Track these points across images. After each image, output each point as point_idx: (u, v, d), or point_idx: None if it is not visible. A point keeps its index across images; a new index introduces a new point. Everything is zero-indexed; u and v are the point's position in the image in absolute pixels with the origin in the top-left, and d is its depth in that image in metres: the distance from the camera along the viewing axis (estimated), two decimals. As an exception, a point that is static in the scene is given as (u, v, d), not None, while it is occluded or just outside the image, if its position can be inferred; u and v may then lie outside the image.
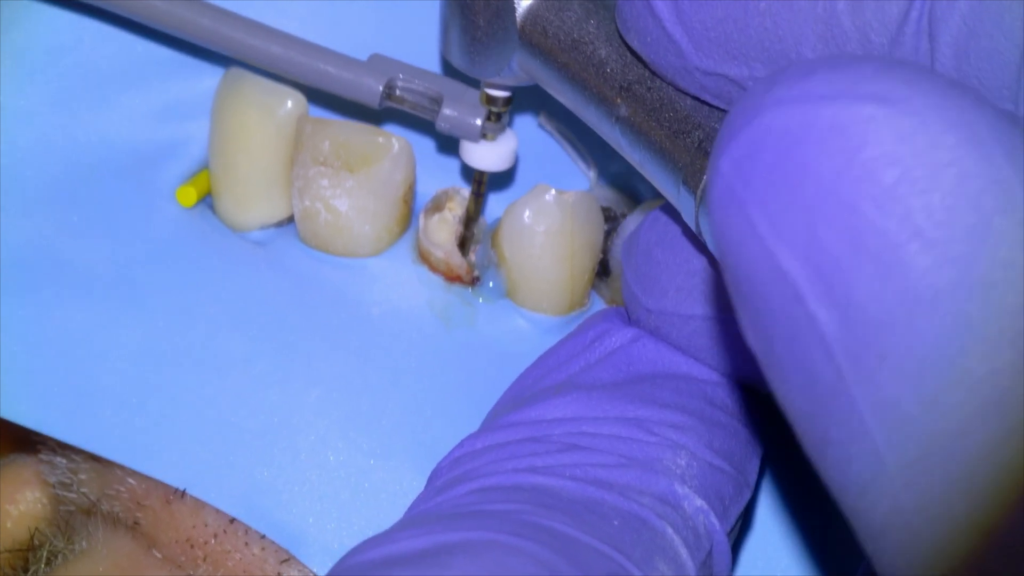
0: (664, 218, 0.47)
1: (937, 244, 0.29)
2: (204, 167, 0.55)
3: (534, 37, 0.45)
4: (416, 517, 0.41)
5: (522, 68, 0.47)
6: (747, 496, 0.45)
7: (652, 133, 0.43)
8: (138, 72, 0.53)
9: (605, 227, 0.55)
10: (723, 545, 0.43)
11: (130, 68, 0.53)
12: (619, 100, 0.43)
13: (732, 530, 0.44)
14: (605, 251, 0.55)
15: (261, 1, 0.52)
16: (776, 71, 0.32)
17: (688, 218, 0.42)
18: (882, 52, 0.35)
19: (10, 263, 0.51)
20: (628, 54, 0.43)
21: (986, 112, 0.29)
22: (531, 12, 0.45)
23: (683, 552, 0.41)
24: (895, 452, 0.30)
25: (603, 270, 0.56)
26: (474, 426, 0.48)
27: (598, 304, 0.56)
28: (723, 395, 0.48)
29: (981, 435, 0.29)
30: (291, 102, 0.53)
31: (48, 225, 0.52)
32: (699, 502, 0.42)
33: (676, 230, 0.46)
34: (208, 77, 0.54)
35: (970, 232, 0.28)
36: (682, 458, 0.44)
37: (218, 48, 0.51)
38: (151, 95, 0.54)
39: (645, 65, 0.42)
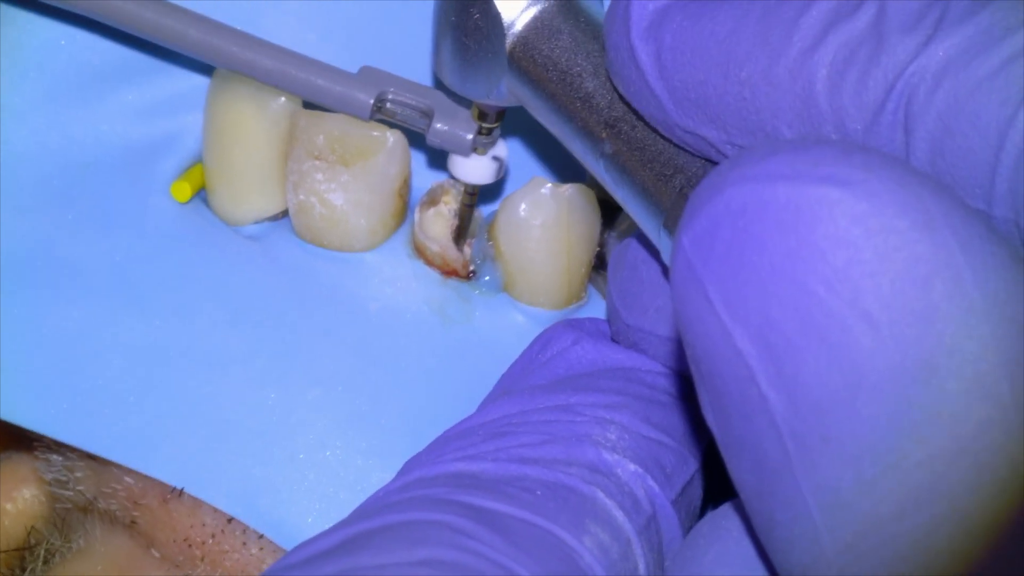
0: None
1: (883, 327, 0.29)
2: (197, 161, 0.55)
3: (523, 64, 0.45)
4: (344, 519, 0.41)
5: (511, 92, 0.47)
6: (693, 467, 0.45)
7: (636, 173, 0.43)
8: (131, 67, 0.53)
9: (601, 220, 0.54)
10: (667, 510, 0.42)
11: (123, 63, 0.53)
12: (604, 135, 0.43)
13: (681, 499, 0.44)
14: (602, 244, 0.55)
15: (251, 12, 0.52)
16: (744, 149, 0.32)
17: (667, 260, 0.42)
18: (856, 138, 0.35)
19: (5, 261, 0.51)
20: (616, 90, 0.43)
21: (943, 199, 0.29)
22: (521, 39, 0.45)
23: (619, 515, 0.40)
24: (833, 536, 0.30)
25: (600, 263, 0.55)
26: (472, 424, 0.48)
27: (595, 297, 0.56)
28: (666, 382, 0.47)
29: (914, 521, 0.29)
30: (285, 96, 0.52)
31: (43, 223, 0.52)
32: (633, 467, 0.42)
33: None
34: (201, 71, 0.54)
35: (916, 316, 0.29)
36: (612, 432, 0.43)
37: (207, 60, 0.51)
38: (144, 90, 0.53)
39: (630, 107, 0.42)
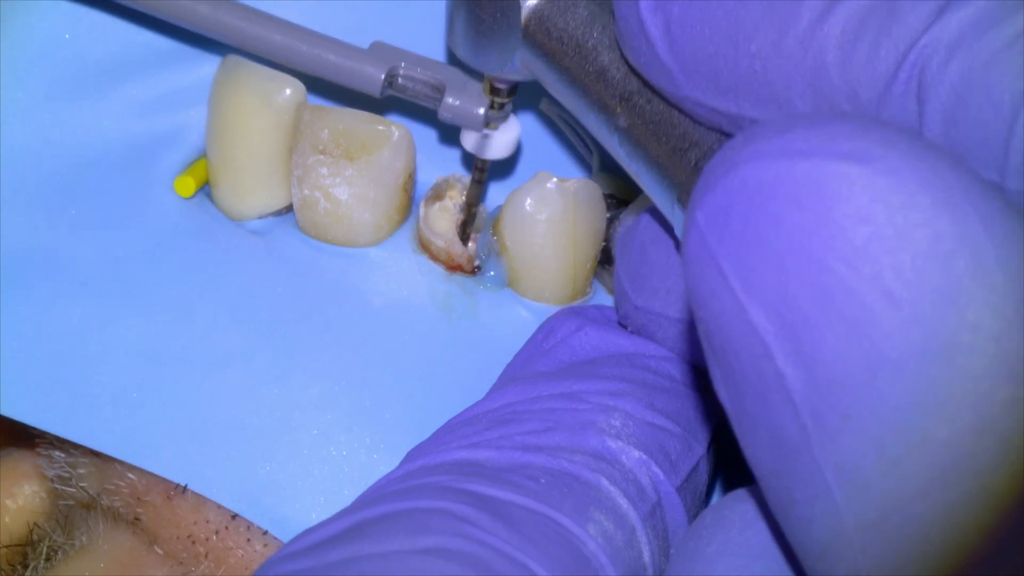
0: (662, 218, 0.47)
1: (905, 304, 0.29)
2: (201, 155, 0.54)
3: (538, 36, 0.45)
4: (347, 507, 0.41)
5: (525, 66, 0.46)
6: (698, 453, 0.45)
7: (650, 147, 0.42)
8: (134, 62, 0.53)
9: (607, 215, 0.54)
10: (672, 497, 0.42)
11: (126, 58, 0.52)
12: (619, 109, 0.43)
13: (686, 486, 0.44)
14: (607, 239, 0.55)
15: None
16: (757, 124, 0.31)
17: (680, 234, 0.42)
18: (869, 108, 0.34)
19: (7, 258, 0.51)
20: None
21: (962, 175, 0.29)
22: (536, 11, 0.44)
23: (623, 502, 0.40)
24: (854, 514, 0.30)
25: (605, 258, 0.55)
26: (478, 419, 0.48)
27: (600, 292, 0.55)
28: (670, 367, 0.47)
29: (939, 500, 0.29)
30: (290, 90, 0.52)
31: (45, 219, 0.51)
32: (637, 454, 0.42)
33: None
34: (205, 65, 0.53)
35: (939, 294, 0.28)
36: (616, 418, 0.43)
37: (217, 36, 0.50)
38: (147, 85, 0.53)
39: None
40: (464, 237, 0.54)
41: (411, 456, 0.43)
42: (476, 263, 0.54)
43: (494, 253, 0.53)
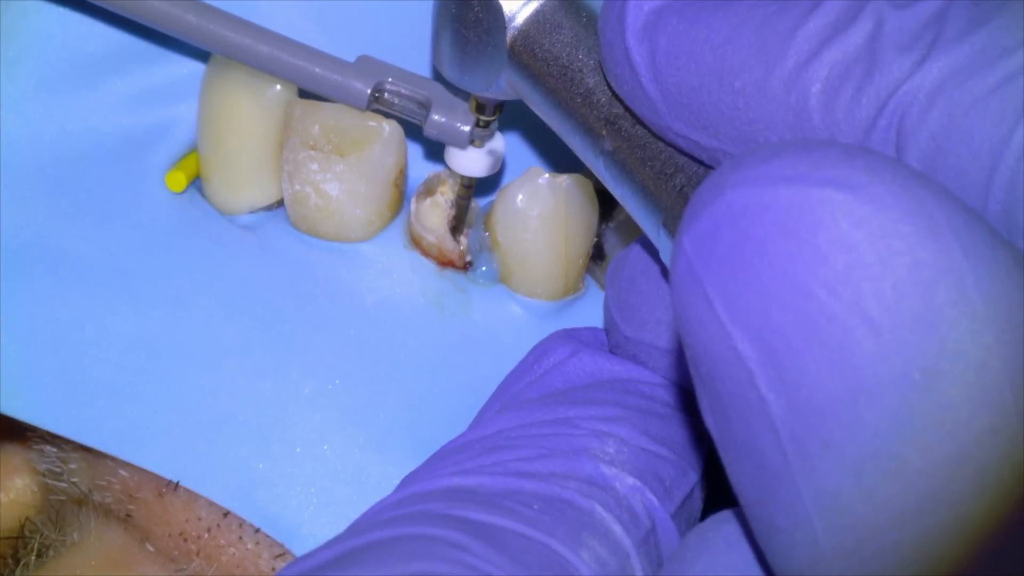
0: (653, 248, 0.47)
1: (885, 331, 0.29)
2: (192, 149, 0.54)
3: (523, 58, 0.45)
4: (339, 534, 0.41)
5: (511, 86, 0.46)
6: (692, 479, 0.45)
7: (636, 171, 0.42)
8: (125, 56, 0.52)
9: (599, 211, 0.54)
10: (667, 523, 0.42)
11: (117, 52, 0.52)
12: (604, 132, 0.43)
13: (680, 512, 0.44)
14: (599, 235, 0.55)
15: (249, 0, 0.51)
16: (745, 151, 0.31)
17: (666, 259, 0.42)
18: None
19: (-2, 252, 0.50)
20: None
21: (945, 203, 0.29)
22: (522, 32, 0.44)
23: (616, 529, 0.40)
24: (832, 542, 0.30)
25: (598, 254, 0.55)
26: (471, 417, 0.48)
27: (593, 288, 0.55)
28: (664, 394, 0.47)
29: (915, 529, 0.29)
30: (280, 85, 0.52)
31: (37, 213, 0.51)
32: (631, 480, 0.42)
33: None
34: (196, 59, 0.53)
35: (919, 321, 0.28)
36: (610, 445, 0.43)
37: (204, 45, 0.50)
38: (138, 79, 0.53)
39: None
40: (456, 233, 0.54)
41: (404, 483, 0.43)
42: (468, 259, 0.54)
43: (486, 249, 0.53)
